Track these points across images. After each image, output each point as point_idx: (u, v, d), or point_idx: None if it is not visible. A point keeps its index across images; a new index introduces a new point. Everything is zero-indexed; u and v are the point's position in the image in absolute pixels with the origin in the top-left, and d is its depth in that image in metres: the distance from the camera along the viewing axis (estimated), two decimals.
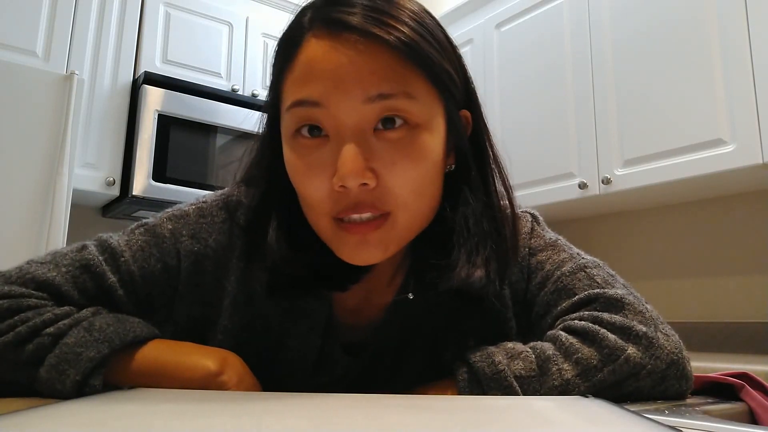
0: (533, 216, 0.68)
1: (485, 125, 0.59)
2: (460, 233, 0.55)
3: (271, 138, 0.56)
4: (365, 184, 0.48)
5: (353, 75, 0.47)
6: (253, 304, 0.58)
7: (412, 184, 0.50)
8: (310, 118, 0.49)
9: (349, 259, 0.51)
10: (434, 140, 0.51)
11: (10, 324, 0.50)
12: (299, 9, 0.53)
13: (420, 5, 0.54)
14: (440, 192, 0.55)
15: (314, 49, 0.49)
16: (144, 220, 0.61)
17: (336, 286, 0.56)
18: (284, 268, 0.54)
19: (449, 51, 0.54)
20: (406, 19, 0.50)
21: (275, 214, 0.56)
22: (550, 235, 0.67)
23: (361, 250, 0.50)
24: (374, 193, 0.49)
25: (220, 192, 0.64)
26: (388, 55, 0.48)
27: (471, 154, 0.57)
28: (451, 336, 0.60)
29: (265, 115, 0.58)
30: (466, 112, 0.57)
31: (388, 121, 0.49)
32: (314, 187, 0.50)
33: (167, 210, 0.62)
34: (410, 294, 0.58)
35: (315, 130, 0.50)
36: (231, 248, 0.60)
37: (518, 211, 0.65)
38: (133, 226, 0.61)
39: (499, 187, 0.59)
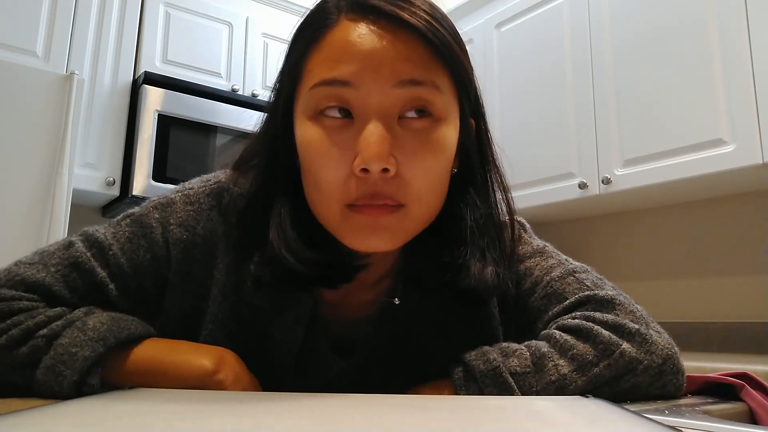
0: (520, 223, 0.68)
1: (488, 134, 0.60)
2: (473, 232, 0.55)
3: (280, 119, 0.55)
4: (386, 170, 0.47)
5: (388, 58, 0.48)
6: (241, 293, 0.57)
7: (428, 178, 0.50)
8: (338, 98, 0.49)
9: (355, 243, 0.50)
10: (452, 136, 0.52)
11: (3, 328, 0.50)
12: None
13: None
14: (446, 191, 0.54)
15: (349, 30, 0.49)
16: (130, 211, 0.60)
17: (328, 284, 0.55)
18: (285, 261, 0.52)
19: (468, 58, 0.55)
20: (438, 17, 0.51)
21: (282, 202, 0.55)
22: (538, 242, 0.67)
23: (370, 235, 0.49)
24: (392, 184, 0.48)
25: (205, 178, 0.63)
26: (421, 46, 0.49)
27: (476, 158, 0.57)
28: (439, 342, 0.60)
29: (273, 98, 0.56)
30: (471, 120, 0.57)
31: (412, 111, 0.49)
32: (332, 169, 0.49)
33: (152, 198, 0.61)
34: (396, 300, 0.58)
35: (341, 110, 0.49)
36: (219, 236, 0.58)
37: (516, 218, 0.65)
38: (119, 218, 0.59)
39: (499, 195, 0.60)
